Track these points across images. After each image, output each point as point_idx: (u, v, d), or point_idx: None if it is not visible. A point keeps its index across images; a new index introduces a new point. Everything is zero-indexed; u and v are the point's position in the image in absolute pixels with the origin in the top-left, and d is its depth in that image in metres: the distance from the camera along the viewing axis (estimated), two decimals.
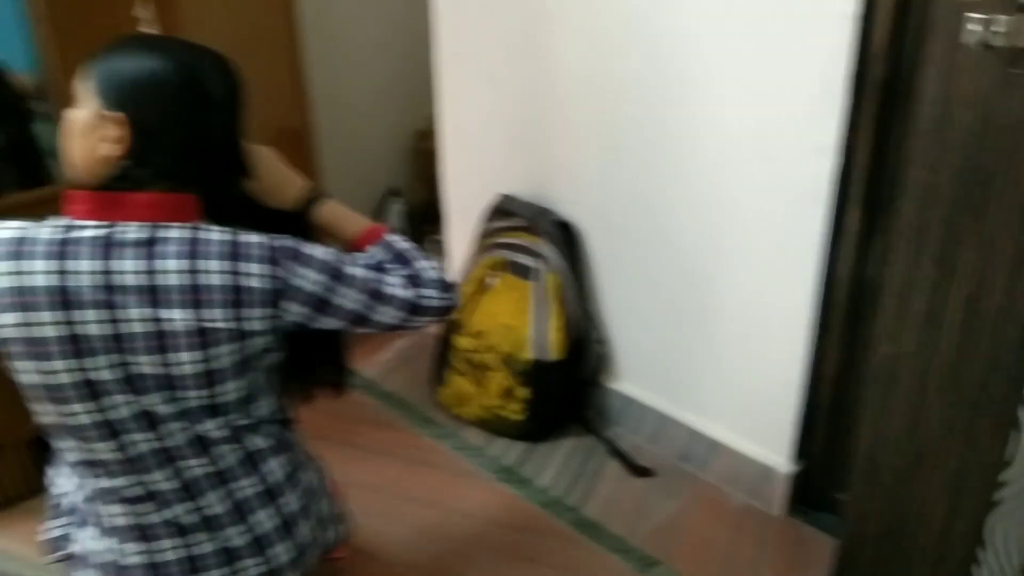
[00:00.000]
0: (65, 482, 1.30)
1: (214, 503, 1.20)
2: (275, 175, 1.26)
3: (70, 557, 1.25)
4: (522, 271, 1.96)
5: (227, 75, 1.14)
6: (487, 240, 2.04)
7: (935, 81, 1.09)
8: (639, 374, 1.95)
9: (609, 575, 1.60)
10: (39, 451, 1.74)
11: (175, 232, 1.07)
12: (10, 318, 1.04)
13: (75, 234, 1.05)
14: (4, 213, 1.63)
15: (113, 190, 1.07)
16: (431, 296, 1.22)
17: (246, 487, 1.22)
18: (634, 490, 1.83)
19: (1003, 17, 0.99)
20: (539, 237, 1.91)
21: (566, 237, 1.90)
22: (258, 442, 1.22)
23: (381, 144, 2.72)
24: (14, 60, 1.76)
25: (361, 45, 2.59)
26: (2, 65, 1.75)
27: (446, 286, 1.24)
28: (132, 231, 1.06)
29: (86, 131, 1.09)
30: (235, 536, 1.22)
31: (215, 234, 1.09)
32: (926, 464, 1.27)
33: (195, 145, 1.11)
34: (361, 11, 2.56)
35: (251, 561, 1.24)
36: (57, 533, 1.26)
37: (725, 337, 1.73)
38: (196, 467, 1.17)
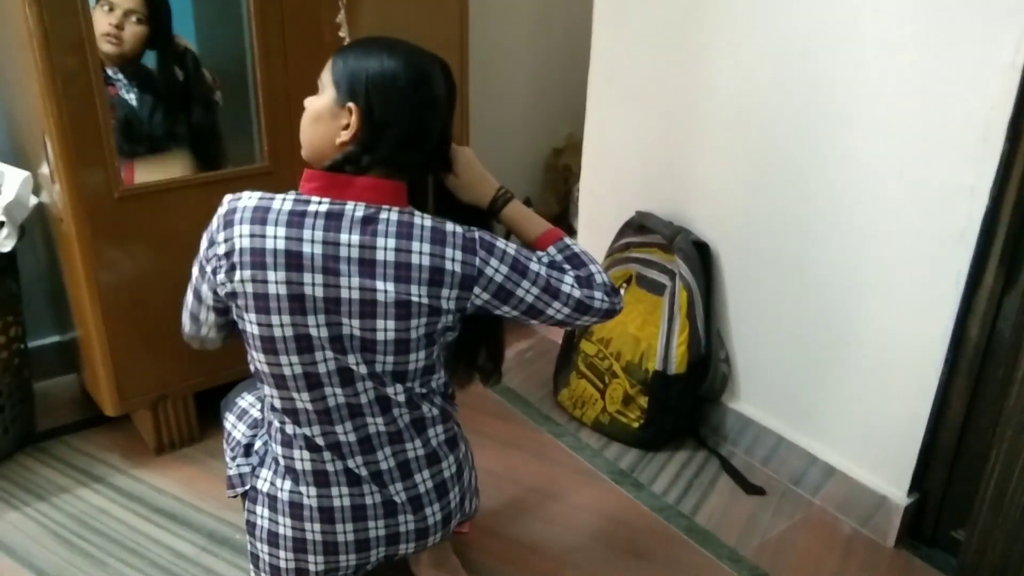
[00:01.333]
0: (246, 429, 1.46)
1: (385, 459, 1.34)
2: (473, 173, 1.40)
3: (247, 493, 1.40)
4: (653, 286, 2.05)
5: (448, 78, 1.29)
6: (620, 254, 2.14)
7: None
8: (759, 395, 2.01)
9: None
10: (201, 404, 1.93)
11: (394, 215, 1.22)
12: (247, 274, 1.20)
13: (311, 207, 1.21)
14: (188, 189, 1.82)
15: (340, 172, 1.23)
16: (600, 298, 1.34)
17: (413, 448, 1.35)
18: (745, 507, 1.88)
19: None
20: (674, 255, 2.00)
21: (701, 257, 1.99)
22: (426, 410, 1.35)
23: (521, 158, 2.85)
24: (212, 52, 1.97)
25: (516, 64, 2.74)
26: (200, 60, 1.96)
27: (613, 291, 1.36)
28: (359, 209, 1.21)
29: (324, 117, 1.25)
30: (397, 492, 1.35)
31: (427, 220, 1.24)
32: None
33: (414, 138, 1.25)
34: (521, 31, 2.71)
35: (407, 517, 1.37)
36: (243, 470, 1.41)
37: (852, 366, 1.78)
38: (376, 424, 1.31)
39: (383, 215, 1.22)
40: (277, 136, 1.85)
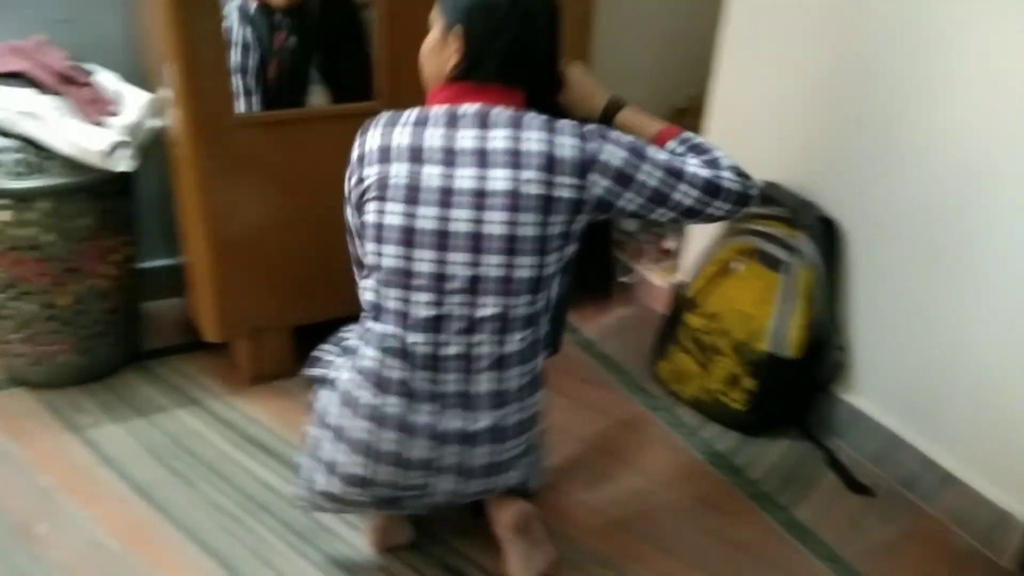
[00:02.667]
0: (338, 340, 1.46)
1: (452, 383, 1.30)
2: (585, 87, 1.43)
3: (323, 381, 1.40)
4: (772, 262, 1.92)
5: (546, 2, 1.31)
6: (739, 224, 2.02)
7: None
8: (875, 389, 1.87)
9: None
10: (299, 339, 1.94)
11: (507, 112, 1.26)
12: (374, 169, 1.28)
13: (432, 112, 1.27)
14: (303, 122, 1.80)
15: (456, 83, 1.29)
16: (730, 179, 1.32)
17: (486, 381, 1.31)
18: (849, 505, 1.76)
19: None
20: (798, 230, 1.86)
21: (827, 235, 1.85)
22: (514, 344, 1.31)
23: None
24: None
25: (642, 20, 2.62)
26: None
27: (744, 173, 1.34)
28: (475, 107, 1.26)
29: (435, 49, 1.32)
30: (450, 421, 1.31)
31: (540, 116, 1.27)
32: None
33: (518, 54, 1.28)
34: None
35: (452, 449, 1.33)
36: (327, 357, 1.43)
37: (984, 369, 1.62)
38: (457, 344, 1.29)
39: (495, 111, 1.26)
40: (397, 74, 1.80)
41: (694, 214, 1.32)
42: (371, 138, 1.29)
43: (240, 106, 1.77)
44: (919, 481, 1.77)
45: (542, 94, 1.36)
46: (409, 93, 1.81)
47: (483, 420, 1.32)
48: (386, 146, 1.27)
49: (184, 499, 1.64)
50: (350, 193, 1.34)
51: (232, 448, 1.78)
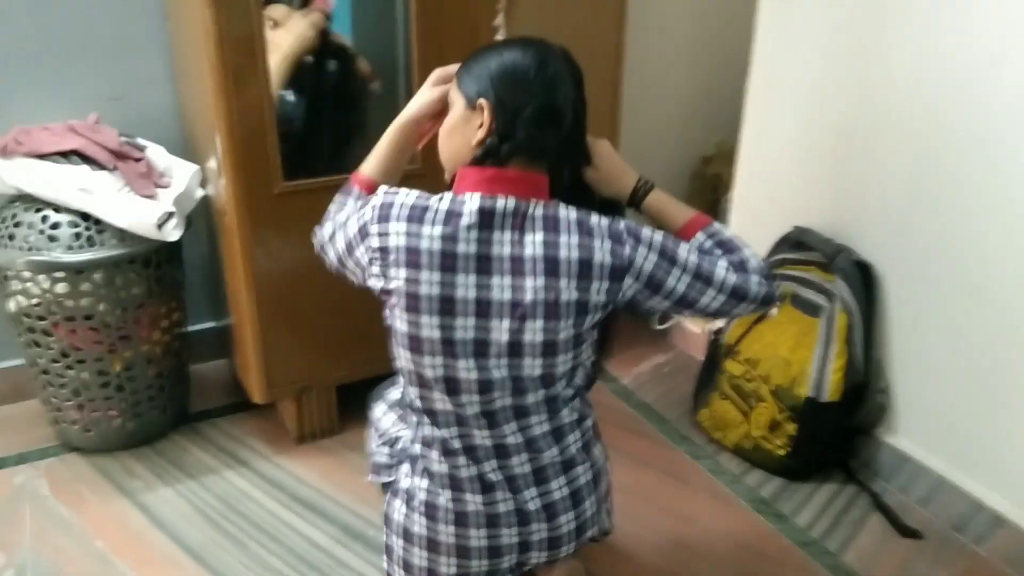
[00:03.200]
0: (396, 419, 1.47)
1: (520, 464, 1.31)
2: (613, 165, 1.39)
3: (388, 484, 1.41)
4: (808, 307, 1.93)
5: (571, 64, 1.28)
6: (774, 269, 2.04)
7: None
8: (920, 430, 1.86)
9: None
10: (342, 396, 1.98)
11: (540, 210, 1.22)
12: (402, 273, 1.21)
13: (465, 206, 1.21)
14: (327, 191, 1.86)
15: (485, 166, 1.23)
16: (756, 282, 1.29)
17: (549, 456, 1.32)
18: (898, 550, 1.74)
19: None
20: (834, 274, 1.88)
21: (863, 278, 1.86)
22: (566, 415, 1.32)
23: (669, 165, 2.78)
24: (370, 47, 2.00)
25: (670, 70, 2.67)
26: (354, 51, 1.99)
27: (770, 276, 1.31)
28: (511, 203, 1.21)
29: (458, 126, 1.27)
30: (532, 499, 1.33)
31: (572, 212, 1.23)
32: None
33: (548, 117, 1.23)
34: (677, 36, 2.64)
35: (538, 526, 1.34)
36: (384, 460, 1.43)
37: None
38: (513, 431, 1.29)
39: (531, 211, 1.22)
40: (431, 140, 1.85)
41: (721, 315, 1.32)
42: (395, 231, 1.21)
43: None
44: (970, 523, 1.75)
45: (569, 170, 1.33)
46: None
47: (557, 490, 1.34)
48: (414, 248, 1.20)
49: (235, 560, 1.66)
50: (360, 257, 1.27)
51: (281, 508, 1.81)
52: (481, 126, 1.23)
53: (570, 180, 1.35)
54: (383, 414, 1.52)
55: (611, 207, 1.36)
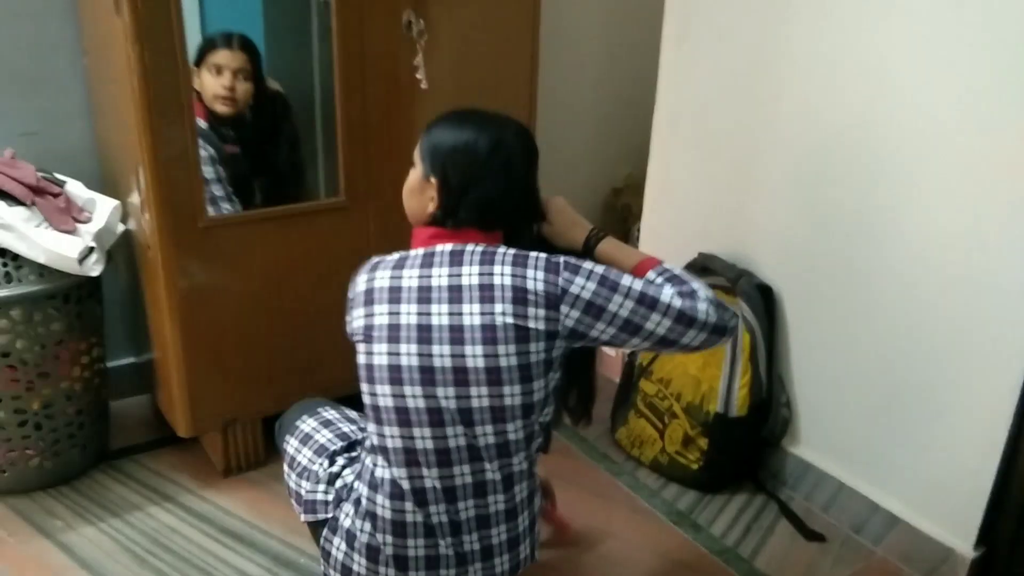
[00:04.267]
0: (312, 455, 1.50)
1: (464, 510, 1.34)
2: (566, 217, 1.47)
3: (325, 522, 1.43)
4: None
5: (527, 142, 1.37)
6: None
7: None
8: (821, 440, 2.00)
9: None
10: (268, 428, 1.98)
11: (480, 248, 1.30)
12: (360, 311, 1.32)
13: (410, 254, 1.34)
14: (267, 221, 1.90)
15: (436, 227, 1.35)
16: (705, 310, 1.30)
17: (495, 503, 1.36)
18: (805, 553, 1.87)
19: None
20: (737, 297, 2.01)
21: (764, 300, 1.99)
22: (516, 462, 1.35)
23: (580, 197, 2.89)
24: (294, 81, 2.06)
25: (581, 104, 2.80)
26: (283, 93, 2.05)
27: (722, 306, 1.33)
28: (448, 247, 1.31)
29: (415, 190, 1.38)
30: (471, 542, 1.36)
31: (511, 251, 1.30)
32: None
33: (495, 202, 1.34)
34: (586, 78, 2.78)
35: (474, 566, 1.38)
36: (321, 498, 1.45)
37: (919, 415, 1.77)
38: (464, 475, 1.33)
39: (468, 248, 1.30)
40: (354, 172, 1.91)
41: (669, 344, 1.31)
42: (359, 282, 1.34)
43: (208, 211, 1.85)
44: (868, 525, 1.89)
45: (523, 230, 1.42)
46: (370, 190, 1.94)
47: (496, 536, 1.38)
48: (370, 289, 1.32)
49: None
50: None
51: (210, 542, 1.80)
52: (432, 199, 1.34)
53: (526, 237, 1.43)
54: (296, 450, 1.54)
55: (574, 256, 1.40)
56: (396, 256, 1.35)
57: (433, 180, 1.33)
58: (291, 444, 1.56)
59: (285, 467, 1.56)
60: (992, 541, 1.73)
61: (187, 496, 1.94)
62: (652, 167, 2.32)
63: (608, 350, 2.54)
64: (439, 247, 1.31)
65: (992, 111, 1.54)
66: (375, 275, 1.32)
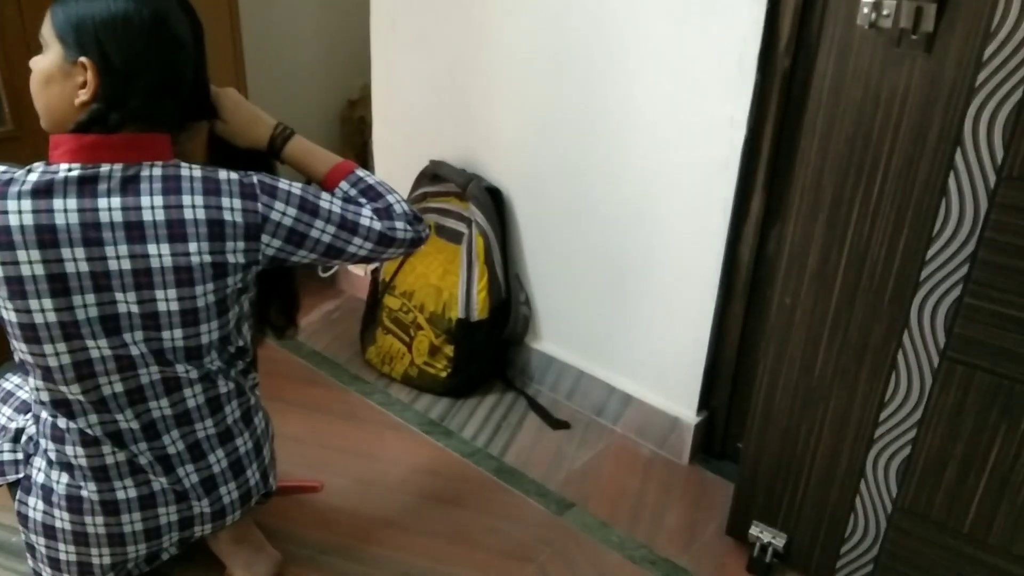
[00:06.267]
0: (12, 412, 1.33)
1: (172, 443, 1.25)
2: (243, 114, 1.31)
3: (19, 482, 1.28)
4: (451, 235, 2.04)
5: (191, 14, 1.18)
6: (417, 205, 2.11)
7: (831, 58, 1.22)
8: (559, 334, 2.06)
9: (528, 516, 1.71)
10: None
11: (157, 170, 1.12)
12: None
13: (59, 176, 1.08)
14: None
15: (89, 133, 1.10)
16: (402, 228, 1.29)
17: (204, 428, 1.27)
18: (552, 441, 1.94)
19: (890, 1, 1.13)
20: (468, 202, 1.99)
21: (495, 202, 1.99)
22: (222, 386, 1.27)
23: (312, 113, 2.74)
24: None
25: (295, 15, 2.61)
26: None
27: (416, 218, 1.32)
28: (117, 171, 1.10)
29: (55, 78, 1.12)
30: (187, 475, 1.28)
31: (196, 171, 1.15)
32: (815, 405, 1.42)
33: (166, 85, 1.14)
34: None
35: (198, 501, 1.30)
36: (8, 458, 1.29)
37: (640, 299, 1.86)
38: (161, 408, 1.22)
39: (144, 172, 1.12)
40: (22, 94, 1.66)
41: (370, 260, 1.31)
42: None
43: None
44: (606, 407, 1.99)
45: (194, 130, 1.26)
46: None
47: (215, 463, 1.30)
48: (3, 227, 1.06)
49: None
50: None
51: None
52: (84, 86, 1.10)
53: (208, 136, 1.28)
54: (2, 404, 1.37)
55: (257, 161, 1.31)
56: (33, 176, 1.08)
57: (84, 61, 1.08)
58: None
59: None
60: (712, 406, 1.88)
61: None
62: (375, 74, 2.22)
63: (356, 270, 2.47)
64: (103, 168, 1.09)
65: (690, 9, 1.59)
66: (6, 204, 1.06)
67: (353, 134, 2.74)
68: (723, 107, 1.58)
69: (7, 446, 1.32)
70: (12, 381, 1.40)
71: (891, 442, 1.36)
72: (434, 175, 2.08)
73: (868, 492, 1.42)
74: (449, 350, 2.01)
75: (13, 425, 1.33)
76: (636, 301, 1.87)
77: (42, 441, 1.25)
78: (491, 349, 2.08)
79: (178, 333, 1.17)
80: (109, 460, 1.22)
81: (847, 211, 1.28)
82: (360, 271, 2.45)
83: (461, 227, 2.02)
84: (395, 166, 2.24)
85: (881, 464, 1.39)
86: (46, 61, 1.13)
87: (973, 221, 1.17)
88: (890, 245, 1.25)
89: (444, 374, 2.03)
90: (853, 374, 1.36)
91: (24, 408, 1.34)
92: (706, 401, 1.87)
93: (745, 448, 1.55)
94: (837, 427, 1.41)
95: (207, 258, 1.14)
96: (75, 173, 1.09)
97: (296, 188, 1.22)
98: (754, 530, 1.56)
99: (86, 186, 1.09)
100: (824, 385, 1.40)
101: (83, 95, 1.10)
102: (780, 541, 1.54)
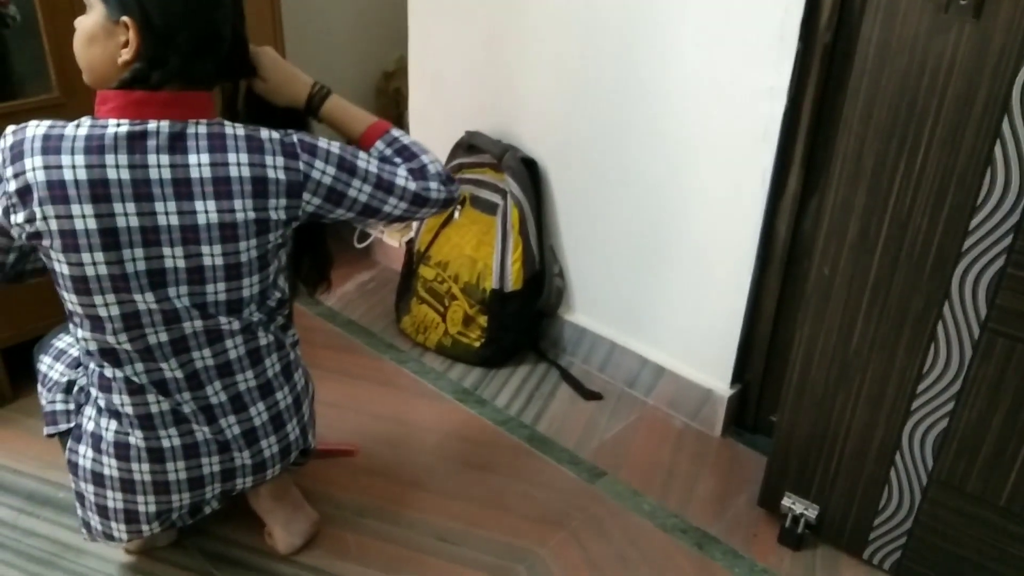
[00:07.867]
0: (65, 368, 1.37)
1: (215, 393, 1.29)
2: (281, 73, 1.33)
3: (69, 431, 1.33)
4: (486, 206, 2.05)
5: None
6: (453, 175, 2.12)
7: (876, 24, 1.20)
8: (593, 306, 2.07)
9: (560, 483, 1.72)
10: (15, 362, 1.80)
11: (203, 128, 1.15)
12: (49, 211, 1.10)
13: (109, 131, 1.11)
14: None
15: (133, 90, 1.13)
16: (436, 188, 1.33)
17: (245, 380, 1.31)
18: (584, 412, 1.95)
19: None
20: (504, 173, 2.00)
21: (530, 173, 1.99)
22: (263, 338, 1.30)
23: (349, 83, 2.74)
24: None
25: None
26: None
27: (448, 179, 1.36)
28: (164, 127, 1.13)
29: (98, 38, 1.14)
30: (229, 426, 1.31)
31: (240, 129, 1.18)
32: (852, 377, 1.42)
33: (205, 44, 1.16)
34: None
35: (239, 453, 1.34)
36: (60, 408, 1.34)
37: (675, 271, 1.85)
38: (204, 359, 1.26)
39: (190, 129, 1.15)
40: (68, 61, 1.68)
41: (404, 220, 1.35)
42: (32, 169, 1.09)
43: None
44: (639, 379, 2.00)
45: (234, 87, 1.29)
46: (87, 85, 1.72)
47: (256, 416, 1.33)
48: (58, 181, 1.09)
49: None
50: None
51: None
52: (126, 46, 1.12)
53: (246, 95, 1.31)
54: (49, 367, 1.41)
55: (293, 120, 1.34)
56: (83, 131, 1.10)
57: (126, 20, 1.10)
58: (45, 362, 1.42)
59: (39, 387, 1.42)
60: (745, 379, 1.87)
61: None
62: (412, 46, 2.23)
63: (391, 241, 2.48)
64: (151, 125, 1.12)
65: None
66: (60, 160, 1.09)
67: (388, 106, 2.75)
68: (763, 77, 1.57)
69: (59, 396, 1.36)
70: (65, 340, 1.44)
71: (928, 414, 1.36)
72: (470, 146, 2.09)
73: (903, 464, 1.41)
74: (483, 320, 2.03)
75: (65, 379, 1.37)
76: (670, 273, 1.86)
77: (91, 390, 1.28)
78: (524, 320, 2.09)
79: (221, 287, 1.21)
80: (154, 408, 1.26)
81: (889, 180, 1.27)
82: (395, 242, 2.47)
83: (496, 198, 2.03)
84: (431, 137, 2.22)
85: (917, 436, 1.38)
86: (89, 21, 1.15)
87: (1019, 190, 1.16)
88: (932, 215, 1.24)
89: (478, 344, 2.05)
90: (891, 346, 1.35)
91: (75, 364, 1.38)
92: (740, 374, 1.86)
93: (779, 419, 1.55)
94: (873, 399, 1.41)
95: (251, 215, 1.18)
96: (124, 129, 1.12)
97: (335, 147, 1.26)
98: (786, 501, 1.57)
99: (136, 142, 1.12)
100: (861, 357, 1.40)
101: (125, 54, 1.13)
102: (812, 513, 1.54)
